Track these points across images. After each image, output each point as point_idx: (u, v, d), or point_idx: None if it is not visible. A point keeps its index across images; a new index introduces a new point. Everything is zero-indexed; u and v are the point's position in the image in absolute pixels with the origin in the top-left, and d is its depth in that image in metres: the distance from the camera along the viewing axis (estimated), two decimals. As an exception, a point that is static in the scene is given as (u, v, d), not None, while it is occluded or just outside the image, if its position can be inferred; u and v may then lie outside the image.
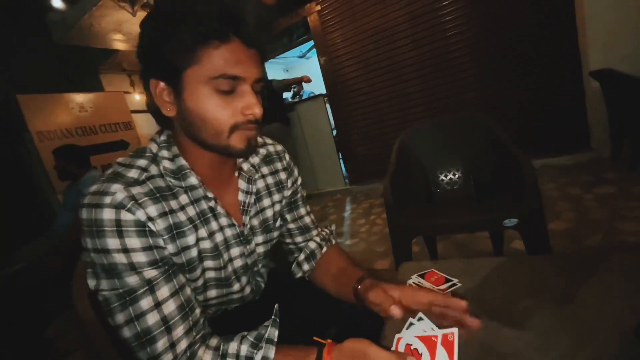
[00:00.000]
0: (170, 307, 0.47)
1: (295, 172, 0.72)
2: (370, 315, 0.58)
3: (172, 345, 0.46)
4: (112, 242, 0.44)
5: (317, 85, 3.92)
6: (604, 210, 1.73)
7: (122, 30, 3.82)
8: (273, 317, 0.50)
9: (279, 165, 0.69)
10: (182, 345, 0.46)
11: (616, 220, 1.59)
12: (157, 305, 0.46)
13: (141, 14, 3.49)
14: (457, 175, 1.52)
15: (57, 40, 3.59)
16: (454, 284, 0.62)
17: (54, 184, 3.17)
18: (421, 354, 0.44)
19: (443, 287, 0.62)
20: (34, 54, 3.66)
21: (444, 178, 1.54)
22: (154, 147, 0.53)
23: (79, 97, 3.74)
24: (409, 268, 0.75)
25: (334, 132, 3.90)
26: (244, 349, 0.47)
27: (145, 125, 4.73)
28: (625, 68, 2.12)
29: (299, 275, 0.72)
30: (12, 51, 3.54)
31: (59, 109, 3.53)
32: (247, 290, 0.65)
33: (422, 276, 0.68)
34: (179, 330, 0.46)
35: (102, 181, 0.47)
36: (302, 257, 0.71)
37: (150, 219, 0.47)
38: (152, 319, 0.45)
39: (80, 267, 0.73)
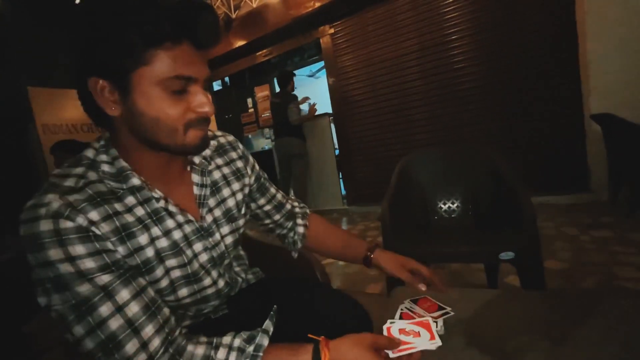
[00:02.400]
0: (133, 309, 0.44)
1: (251, 159, 0.74)
2: (358, 318, 0.63)
3: (144, 345, 0.43)
4: (54, 253, 0.41)
5: (324, 105, 4.00)
6: (601, 253, 1.71)
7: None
8: (271, 313, 0.52)
9: (233, 155, 0.70)
10: (155, 343, 0.44)
11: (612, 265, 1.58)
12: (119, 309, 0.43)
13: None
14: (455, 204, 1.52)
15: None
16: (447, 312, 0.61)
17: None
18: (418, 331, 0.51)
19: (435, 314, 0.61)
20: (51, 48, 3.73)
21: (442, 206, 1.54)
22: (90, 153, 0.51)
23: (89, 95, 3.79)
24: (402, 292, 0.74)
25: (337, 152, 3.94)
26: (237, 341, 0.48)
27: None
28: (626, 114, 2.16)
29: (295, 253, 0.81)
30: (29, 44, 3.61)
31: (67, 104, 3.58)
32: (221, 283, 0.63)
33: (414, 301, 0.67)
34: (149, 330, 0.44)
35: (35, 196, 0.43)
36: (297, 238, 0.79)
37: (92, 222, 0.44)
38: (115, 323, 0.42)
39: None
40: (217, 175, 0.65)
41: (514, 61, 2.81)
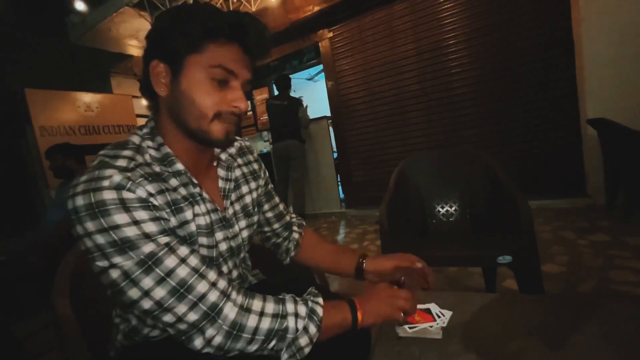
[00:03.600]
0: (194, 261, 0.49)
1: (262, 165, 0.80)
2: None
3: (214, 284, 0.48)
4: (121, 217, 0.44)
5: (323, 109, 4.02)
6: (597, 257, 1.72)
7: (138, 37, 3.93)
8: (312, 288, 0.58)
9: (250, 157, 0.76)
10: (222, 284, 0.49)
11: (609, 269, 1.58)
12: (183, 260, 0.47)
13: (159, 24, 3.61)
14: (453, 208, 1.53)
15: (73, 41, 3.68)
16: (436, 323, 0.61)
17: (48, 180, 3.14)
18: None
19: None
20: (49, 51, 3.73)
21: (440, 209, 1.55)
22: (136, 139, 0.55)
23: (86, 97, 3.79)
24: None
25: (335, 155, 3.94)
26: (301, 309, 0.53)
27: (148, 130, 4.77)
28: (622, 119, 2.18)
29: (287, 260, 0.82)
30: (28, 46, 3.61)
31: (64, 106, 3.57)
32: (235, 274, 0.66)
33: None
34: (212, 274, 0.49)
35: (91, 169, 0.46)
36: (291, 246, 0.81)
37: (150, 194, 0.48)
38: (183, 271, 0.47)
39: (65, 266, 0.71)
40: (238, 172, 0.70)
41: (510, 66, 2.83)
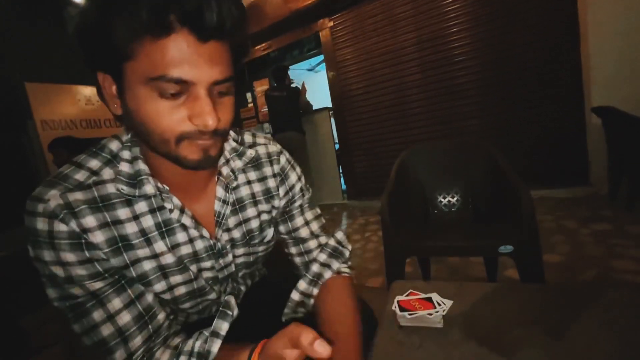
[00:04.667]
0: (124, 318, 0.43)
1: (292, 178, 0.61)
2: (363, 315, 0.58)
3: (130, 355, 0.44)
4: (48, 254, 0.40)
5: (324, 99, 3.99)
6: (599, 246, 1.72)
7: (137, 29, 3.88)
8: (221, 309, 0.47)
9: (268, 171, 0.59)
10: (139, 353, 0.45)
11: (611, 258, 1.58)
12: (110, 317, 0.43)
13: (157, 15, 3.57)
14: (455, 198, 1.53)
15: (71, 33, 3.64)
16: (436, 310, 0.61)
17: (51, 174, 3.15)
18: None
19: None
20: (48, 43, 3.70)
21: (442, 200, 1.54)
22: (114, 146, 0.46)
23: (87, 90, 3.77)
24: (401, 287, 0.74)
25: (337, 146, 3.93)
26: (198, 345, 0.45)
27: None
28: (628, 107, 2.15)
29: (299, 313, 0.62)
30: (26, 39, 3.58)
31: (65, 100, 3.57)
32: (227, 291, 0.61)
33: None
34: (137, 341, 0.44)
35: (43, 183, 0.42)
36: (304, 284, 0.60)
37: (85, 230, 0.41)
38: (106, 330, 0.43)
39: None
40: (244, 192, 0.56)
41: (513, 54, 2.79)
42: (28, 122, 3.35)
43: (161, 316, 0.47)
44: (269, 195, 0.59)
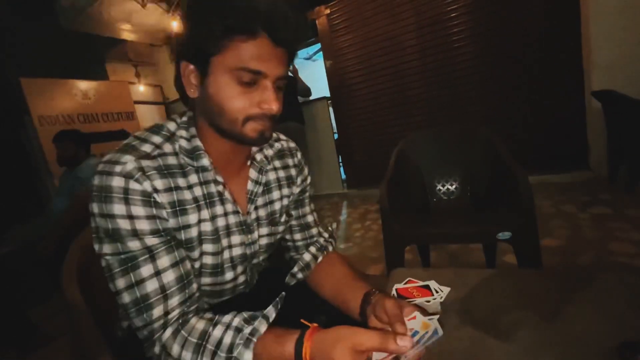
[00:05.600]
0: (169, 276, 0.49)
1: (305, 171, 0.74)
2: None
3: (166, 314, 0.48)
4: (118, 208, 0.46)
5: (322, 88, 3.95)
6: (598, 230, 1.74)
7: (131, 20, 3.82)
8: (277, 299, 0.50)
9: (290, 162, 0.70)
10: (175, 313, 0.48)
11: (608, 241, 1.60)
12: (157, 273, 0.48)
13: (151, 6, 3.50)
14: (454, 186, 1.53)
15: (65, 26, 3.59)
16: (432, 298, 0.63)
17: (51, 169, 3.16)
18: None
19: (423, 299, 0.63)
20: (41, 38, 3.65)
21: (441, 187, 1.55)
22: (172, 126, 0.55)
23: (83, 84, 3.75)
24: (401, 275, 0.75)
25: (336, 136, 3.91)
26: (237, 321, 0.48)
27: (148, 116, 4.74)
28: (628, 91, 2.13)
29: (293, 283, 0.71)
30: (18, 34, 3.53)
31: (61, 94, 3.54)
32: (240, 279, 0.65)
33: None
34: (175, 300, 0.49)
35: (115, 151, 0.49)
36: (296, 268, 0.71)
37: (155, 190, 0.49)
38: (151, 286, 0.47)
39: (72, 252, 0.73)
40: (272, 176, 0.66)
41: (513, 39, 2.74)
42: (25, 117, 3.34)
43: (195, 285, 0.53)
44: (290, 181, 0.69)
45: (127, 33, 4.03)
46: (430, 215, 1.41)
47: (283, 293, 0.51)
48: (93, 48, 4.37)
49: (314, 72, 6.24)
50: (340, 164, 4.00)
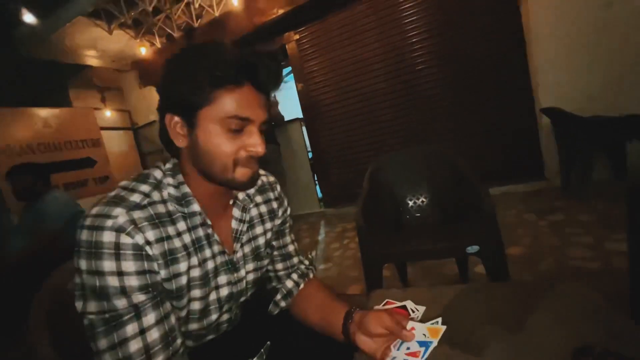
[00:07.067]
0: (153, 334, 0.48)
1: (285, 203, 0.76)
2: (340, 345, 0.61)
3: None
4: (108, 265, 0.45)
5: (294, 109, 4.03)
6: (556, 236, 1.88)
7: (96, 47, 3.75)
8: (262, 350, 0.51)
9: (271, 195, 0.73)
10: None
11: (566, 246, 1.74)
12: (142, 332, 0.47)
13: (118, 32, 3.47)
14: (424, 203, 1.61)
15: (24, 54, 3.45)
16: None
17: (6, 203, 2.94)
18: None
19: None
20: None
21: (412, 205, 1.62)
22: (158, 174, 0.56)
23: (43, 112, 3.58)
24: (379, 296, 0.78)
25: (310, 155, 3.97)
26: None
27: (114, 142, 4.58)
28: (572, 106, 2.38)
29: (276, 312, 0.73)
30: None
31: (19, 123, 3.36)
32: (224, 318, 0.65)
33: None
34: (161, 358, 0.48)
35: (104, 204, 0.48)
36: (279, 296, 0.72)
37: (147, 242, 0.49)
38: (134, 346, 0.46)
39: (40, 298, 0.70)
40: (254, 212, 0.68)
41: (470, 62, 2.98)
42: (-22, 150, 3.12)
43: (179, 341, 0.52)
44: (272, 215, 0.71)
45: (92, 59, 3.95)
46: (404, 233, 1.47)
47: (268, 342, 0.52)
48: (55, 75, 4.21)
49: (286, 93, 6.36)
50: (316, 182, 4.04)
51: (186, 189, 0.56)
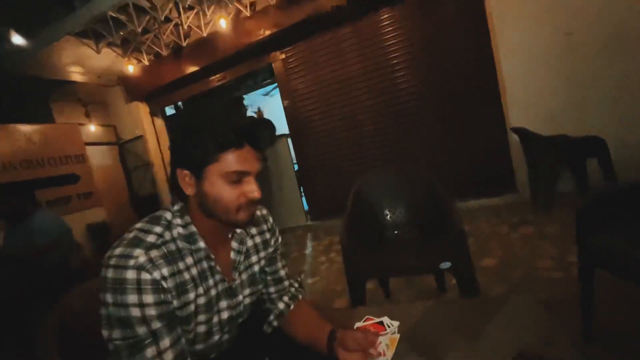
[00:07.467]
0: (169, 356, 0.57)
1: (277, 232, 0.85)
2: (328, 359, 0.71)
3: None
4: (132, 298, 0.54)
5: (280, 123, 4.15)
6: (525, 248, 2.04)
7: (83, 64, 3.77)
8: None
9: (264, 227, 0.82)
10: None
11: (535, 258, 1.89)
12: (159, 354, 0.56)
13: (106, 51, 3.50)
14: (403, 219, 1.73)
15: (9, 70, 3.44)
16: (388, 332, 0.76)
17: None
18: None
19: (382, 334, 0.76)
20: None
21: (392, 221, 1.74)
22: (168, 215, 0.65)
23: (27, 128, 3.55)
24: (360, 313, 0.88)
25: (296, 167, 4.07)
26: None
27: (99, 157, 4.55)
28: (538, 126, 2.59)
29: (270, 331, 0.82)
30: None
31: (1, 140, 3.32)
32: (225, 338, 0.73)
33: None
34: None
35: (125, 245, 0.58)
36: (272, 317, 0.82)
37: (163, 277, 0.58)
38: None
39: (52, 318, 0.76)
40: (250, 243, 0.77)
41: (446, 81, 3.19)
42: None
43: None
44: (265, 244, 0.81)
45: (77, 75, 3.95)
46: (385, 251, 1.58)
47: (267, 359, 0.62)
48: (38, 89, 4.18)
49: (271, 107, 6.48)
50: (302, 195, 4.14)
51: (193, 228, 0.65)
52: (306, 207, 4.14)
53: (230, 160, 0.60)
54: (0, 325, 1.61)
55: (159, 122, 4.83)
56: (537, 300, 0.80)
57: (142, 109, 4.64)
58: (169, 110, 5.25)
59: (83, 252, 2.98)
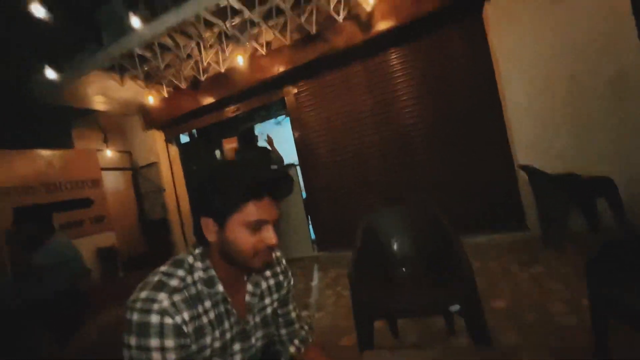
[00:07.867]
0: None
1: (289, 274, 0.89)
2: None
3: None
4: (154, 342, 0.58)
5: (290, 150, 4.26)
6: (537, 289, 1.99)
7: (106, 94, 3.99)
8: None
9: (277, 269, 0.85)
10: None
11: (547, 301, 1.84)
12: None
13: (129, 84, 3.72)
14: (411, 255, 1.73)
15: (38, 99, 3.65)
16: None
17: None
18: None
19: None
20: (7, 110, 3.66)
21: (400, 258, 1.74)
22: (190, 259, 0.69)
23: (47, 153, 3.71)
24: (368, 357, 0.88)
25: (304, 194, 4.11)
26: None
27: (112, 181, 4.69)
28: (545, 163, 2.61)
29: None
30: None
31: (22, 165, 3.47)
32: None
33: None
34: None
35: (150, 289, 0.61)
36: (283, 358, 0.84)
37: (184, 322, 0.61)
38: None
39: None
40: (264, 285, 0.81)
41: (453, 119, 3.27)
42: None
43: None
44: (278, 287, 0.84)
45: (100, 104, 4.16)
46: (393, 291, 1.57)
47: None
48: (61, 117, 4.40)
49: (282, 134, 6.69)
50: (310, 223, 4.14)
51: (212, 272, 0.69)
52: (313, 236, 4.13)
53: (252, 209, 0.65)
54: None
55: (173, 149, 5.00)
56: (549, 350, 0.80)
57: (157, 137, 4.83)
58: (184, 138, 5.44)
59: (92, 276, 3.00)
